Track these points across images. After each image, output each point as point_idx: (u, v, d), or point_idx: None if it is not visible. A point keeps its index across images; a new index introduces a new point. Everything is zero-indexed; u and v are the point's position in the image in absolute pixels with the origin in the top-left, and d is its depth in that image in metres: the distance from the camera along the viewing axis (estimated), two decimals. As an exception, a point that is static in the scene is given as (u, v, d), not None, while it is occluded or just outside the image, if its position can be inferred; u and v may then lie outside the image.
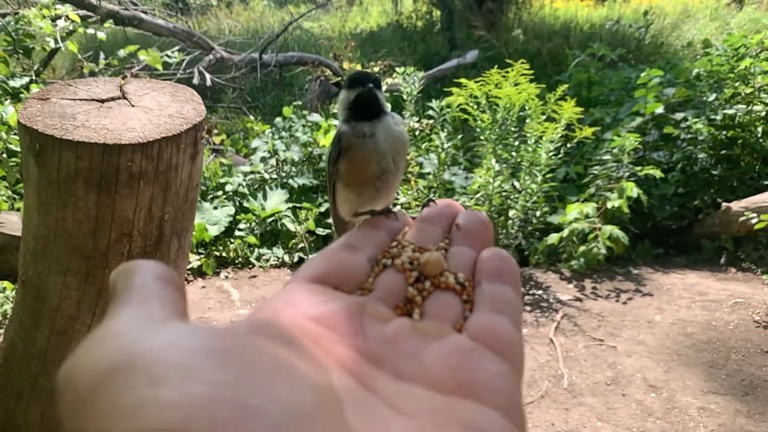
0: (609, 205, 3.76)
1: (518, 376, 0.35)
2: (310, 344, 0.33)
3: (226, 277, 3.87)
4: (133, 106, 1.48)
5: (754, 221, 3.43)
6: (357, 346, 0.35)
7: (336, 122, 4.92)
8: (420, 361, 0.34)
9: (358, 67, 6.61)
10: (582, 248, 3.75)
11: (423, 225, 0.51)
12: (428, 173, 4.28)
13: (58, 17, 4.10)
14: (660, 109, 4.51)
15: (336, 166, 0.72)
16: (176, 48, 6.30)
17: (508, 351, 0.36)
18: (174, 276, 0.33)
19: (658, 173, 3.98)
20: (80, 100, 1.48)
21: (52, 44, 4.07)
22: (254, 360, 0.26)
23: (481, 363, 0.34)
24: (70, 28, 4.15)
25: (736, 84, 4.65)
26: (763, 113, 4.43)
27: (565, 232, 3.77)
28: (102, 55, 4.98)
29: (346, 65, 6.74)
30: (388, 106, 0.72)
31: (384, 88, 5.42)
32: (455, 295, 0.41)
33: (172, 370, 0.24)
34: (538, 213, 4.10)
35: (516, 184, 4.11)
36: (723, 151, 4.54)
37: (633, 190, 3.73)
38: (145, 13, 6.52)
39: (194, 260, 3.86)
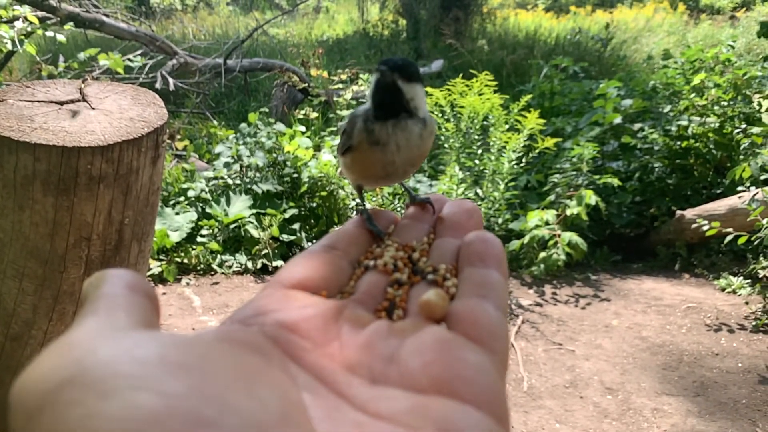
0: (568, 212, 3.85)
1: (501, 365, 0.34)
2: (280, 353, 0.32)
3: (188, 284, 3.83)
4: (93, 108, 1.47)
5: (705, 228, 3.56)
6: (331, 353, 0.34)
7: (302, 128, 4.92)
8: (396, 363, 0.33)
9: (325, 75, 6.62)
10: (542, 254, 3.83)
11: (408, 222, 0.50)
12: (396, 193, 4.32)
13: (16, 18, 4.01)
14: (618, 120, 4.64)
15: (343, 154, 0.64)
16: (139, 52, 6.22)
17: (489, 339, 0.34)
18: (145, 285, 0.32)
19: (616, 182, 4.10)
20: (38, 101, 1.47)
21: (9, 46, 3.97)
22: (214, 370, 0.25)
23: (459, 355, 0.32)
24: (29, 29, 4.06)
25: (691, 96, 4.81)
26: (716, 125, 4.60)
27: (526, 239, 3.85)
28: (61, 58, 4.88)
29: (314, 72, 6.74)
30: (422, 102, 0.60)
31: (349, 95, 5.45)
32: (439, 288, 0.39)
33: (122, 381, 0.23)
34: (500, 220, 4.18)
35: (479, 191, 4.18)
36: (678, 161, 4.70)
37: (592, 198, 3.83)
38: (107, 16, 6.42)
39: (155, 266, 3.80)
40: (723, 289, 3.85)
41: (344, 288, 0.42)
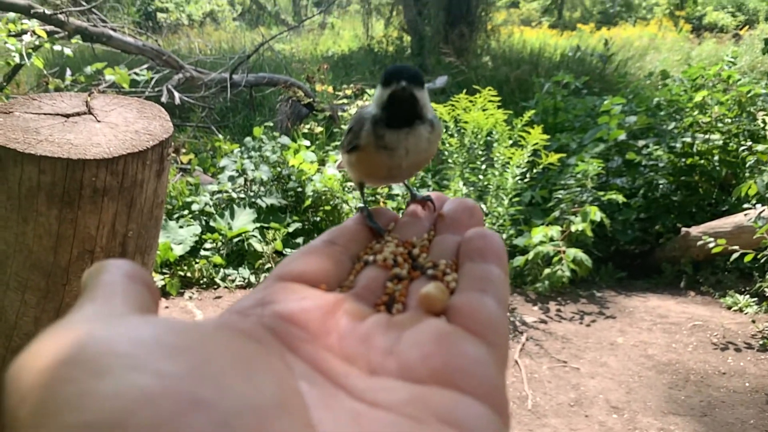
0: (573, 228, 3.83)
1: (501, 358, 0.34)
2: (278, 343, 0.32)
3: (191, 298, 3.82)
4: (99, 121, 1.47)
5: (711, 245, 3.54)
6: (330, 345, 0.34)
7: (306, 142, 4.93)
8: (395, 354, 0.33)
9: (330, 90, 6.65)
10: (547, 271, 3.81)
11: (409, 219, 0.50)
12: (397, 195, 4.31)
13: (24, 32, 4.04)
14: (622, 136, 4.64)
15: (348, 152, 0.64)
16: (145, 66, 6.26)
17: (489, 332, 0.34)
18: (144, 274, 0.33)
19: (620, 198, 4.08)
20: (44, 114, 1.47)
21: (17, 59, 4.01)
22: (212, 354, 0.25)
23: (459, 348, 0.32)
24: (36, 43, 4.09)
25: (695, 113, 4.81)
26: (720, 142, 4.59)
27: (531, 255, 3.83)
28: (69, 72, 4.92)
29: (318, 87, 6.77)
30: (428, 104, 0.60)
31: (353, 110, 5.46)
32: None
33: (118, 361, 0.22)
34: (504, 236, 4.16)
35: (483, 207, 4.17)
36: (682, 178, 4.69)
37: (596, 214, 3.81)
38: (114, 30, 6.47)
39: (158, 280, 3.79)
40: (729, 308, 3.81)
41: (344, 282, 0.42)
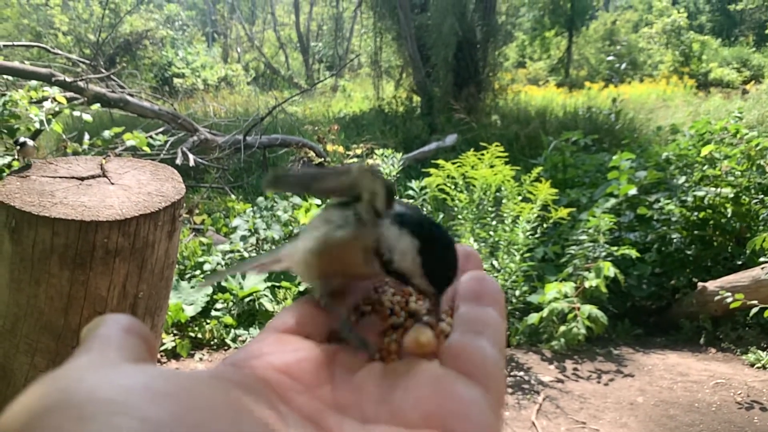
0: (587, 284, 3.78)
1: (496, 401, 0.33)
2: (271, 394, 0.32)
3: (201, 359, 3.78)
4: (112, 183, 1.50)
5: (729, 300, 3.47)
6: (323, 396, 0.34)
7: (317, 201, 4.97)
8: (388, 402, 0.33)
9: (341, 150, 6.76)
10: (562, 328, 3.74)
11: None
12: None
13: (45, 99, 4.18)
14: (633, 191, 4.64)
15: None
16: (161, 129, 6.42)
17: (484, 374, 0.34)
18: (141, 328, 0.33)
19: (634, 253, 4.04)
20: (60, 177, 1.50)
21: (38, 125, 4.12)
22: (199, 401, 0.25)
23: (452, 391, 0.32)
24: (56, 109, 4.22)
25: (704, 167, 4.82)
26: (732, 195, 4.57)
27: (545, 312, 3.77)
28: (87, 136, 5.05)
29: (329, 147, 6.90)
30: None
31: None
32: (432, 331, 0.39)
33: (103, 407, 0.23)
34: (517, 292, 4.12)
35: (495, 263, 4.14)
36: (696, 232, 4.65)
37: (610, 270, 3.77)
38: (131, 95, 6.68)
39: (168, 341, 3.77)
40: (752, 365, 3.70)
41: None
